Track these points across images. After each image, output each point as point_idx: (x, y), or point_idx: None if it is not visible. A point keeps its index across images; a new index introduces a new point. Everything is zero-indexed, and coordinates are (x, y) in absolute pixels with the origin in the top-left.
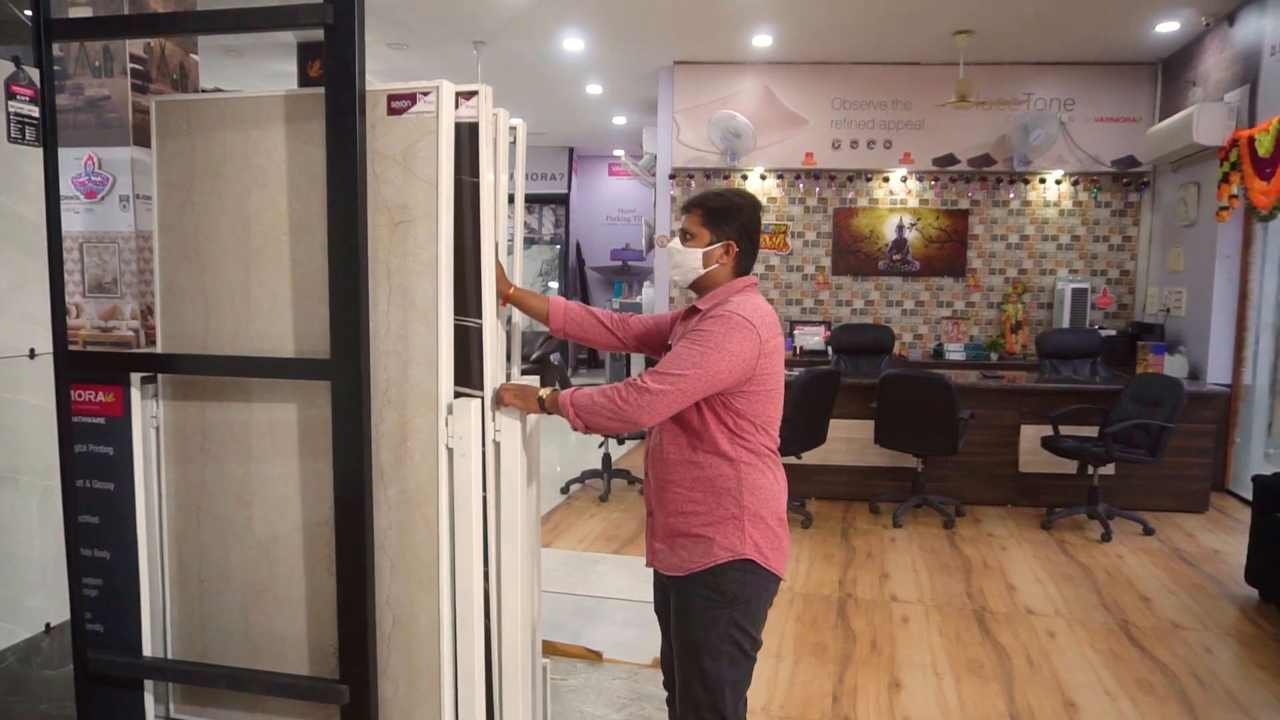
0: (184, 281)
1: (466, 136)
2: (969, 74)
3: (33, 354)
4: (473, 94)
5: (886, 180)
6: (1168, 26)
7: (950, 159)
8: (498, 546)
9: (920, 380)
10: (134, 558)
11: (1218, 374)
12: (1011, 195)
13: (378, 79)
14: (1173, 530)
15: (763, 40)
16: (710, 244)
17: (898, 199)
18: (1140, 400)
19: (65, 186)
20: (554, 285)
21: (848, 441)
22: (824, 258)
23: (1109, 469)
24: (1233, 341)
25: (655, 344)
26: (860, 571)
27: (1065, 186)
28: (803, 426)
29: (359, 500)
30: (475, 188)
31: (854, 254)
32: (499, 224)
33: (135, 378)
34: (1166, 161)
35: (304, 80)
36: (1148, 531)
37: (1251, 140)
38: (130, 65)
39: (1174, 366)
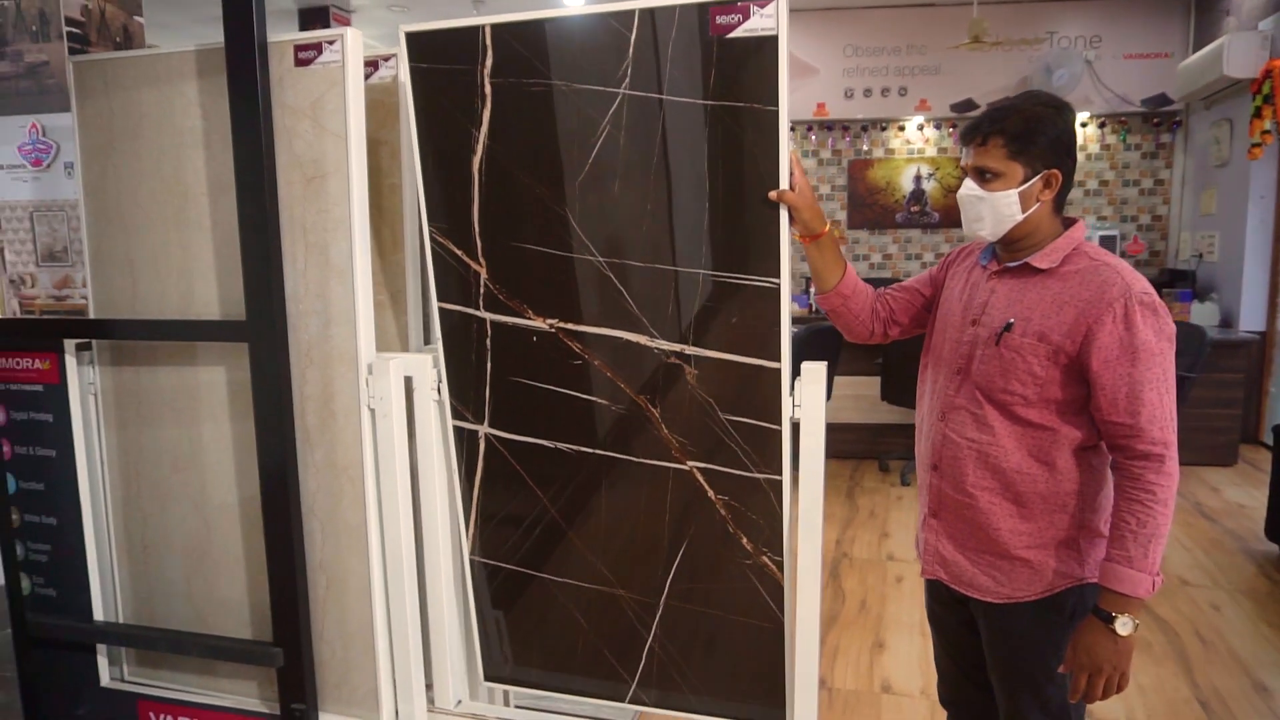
0: (110, 247)
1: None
2: (984, 14)
3: None
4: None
5: (903, 129)
6: None
7: (969, 104)
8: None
9: None
10: (79, 524)
11: (1251, 321)
12: None
13: (383, 45)
14: (1196, 484)
15: None
16: (1026, 180)
17: (915, 148)
18: None
19: (11, 155)
20: None
21: (855, 398)
22: (839, 211)
23: None
24: (1267, 287)
25: (918, 324)
26: (860, 530)
27: (1092, 129)
28: None
29: (282, 464)
30: (774, 117)
31: (870, 207)
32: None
33: (70, 344)
34: (1199, 98)
35: None
36: None
37: None
38: (67, 29)
39: (1202, 314)
